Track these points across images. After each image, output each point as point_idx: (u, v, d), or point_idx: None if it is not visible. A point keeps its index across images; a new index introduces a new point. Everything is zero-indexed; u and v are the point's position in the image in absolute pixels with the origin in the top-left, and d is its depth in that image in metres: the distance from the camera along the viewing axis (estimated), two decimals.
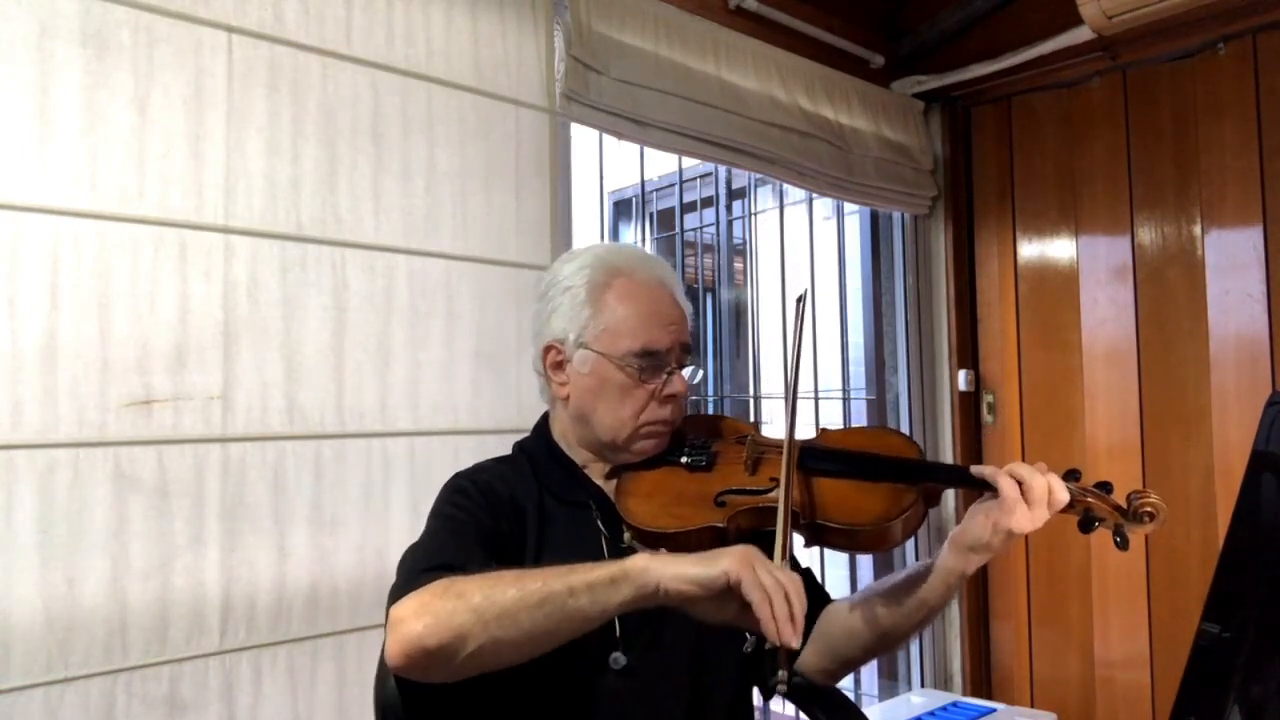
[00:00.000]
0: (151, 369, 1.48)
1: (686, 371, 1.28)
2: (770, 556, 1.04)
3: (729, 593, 0.97)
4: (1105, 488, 1.17)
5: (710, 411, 3.04)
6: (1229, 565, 1.02)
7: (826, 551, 2.93)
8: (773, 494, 1.20)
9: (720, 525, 1.19)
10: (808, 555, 3.00)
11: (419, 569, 1.07)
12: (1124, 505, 1.15)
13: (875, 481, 1.20)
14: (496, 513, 1.20)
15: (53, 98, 1.41)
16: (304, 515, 1.62)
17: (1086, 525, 1.17)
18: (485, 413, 1.85)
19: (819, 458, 1.23)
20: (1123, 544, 1.15)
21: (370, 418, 1.71)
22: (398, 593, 1.04)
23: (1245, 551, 1.02)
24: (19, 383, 1.36)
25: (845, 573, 2.98)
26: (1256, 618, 0.95)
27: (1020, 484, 1.12)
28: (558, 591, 0.97)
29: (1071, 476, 1.17)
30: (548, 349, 1.29)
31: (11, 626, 1.34)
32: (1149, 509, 1.14)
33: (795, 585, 0.97)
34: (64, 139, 1.42)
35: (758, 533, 1.22)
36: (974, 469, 1.17)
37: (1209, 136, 2.56)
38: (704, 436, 1.31)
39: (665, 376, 1.25)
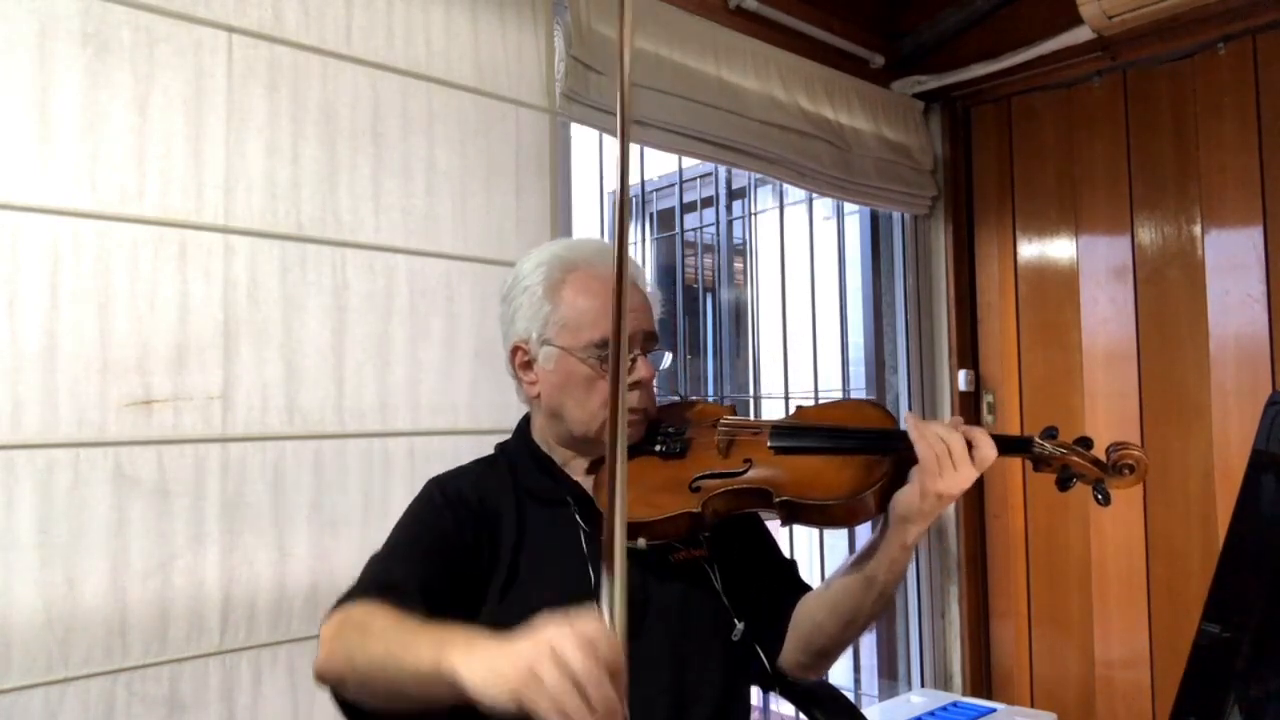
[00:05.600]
0: (151, 369, 1.48)
1: (652, 356, 1.28)
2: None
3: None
4: (1084, 443, 1.16)
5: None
6: (1229, 565, 1.02)
7: (825, 538, 2.94)
8: (747, 475, 1.21)
9: (696, 510, 1.19)
10: (807, 546, 3.00)
11: (363, 585, 1.14)
12: (1103, 459, 1.14)
13: (846, 455, 1.20)
14: (463, 523, 1.21)
15: (53, 98, 1.41)
16: (304, 515, 1.62)
17: (1064, 483, 1.16)
18: (485, 413, 1.84)
19: (788, 435, 1.24)
20: (1104, 500, 1.14)
21: (370, 418, 1.71)
22: (338, 602, 1.12)
23: (1245, 551, 1.02)
24: (19, 383, 1.36)
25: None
26: (1256, 618, 0.95)
27: (940, 443, 1.12)
28: (395, 656, 0.97)
29: (1048, 434, 1.17)
30: (515, 350, 1.30)
31: (11, 626, 1.34)
32: (1129, 461, 1.13)
33: (595, 675, 0.81)
34: (64, 139, 1.42)
35: (732, 515, 1.24)
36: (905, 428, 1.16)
37: (1209, 136, 2.56)
38: (678, 424, 1.32)
39: (629, 365, 1.24)
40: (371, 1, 1.75)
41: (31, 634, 1.35)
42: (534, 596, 1.20)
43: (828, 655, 1.30)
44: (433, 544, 1.19)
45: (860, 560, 1.21)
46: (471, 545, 1.21)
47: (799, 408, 1.34)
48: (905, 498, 1.14)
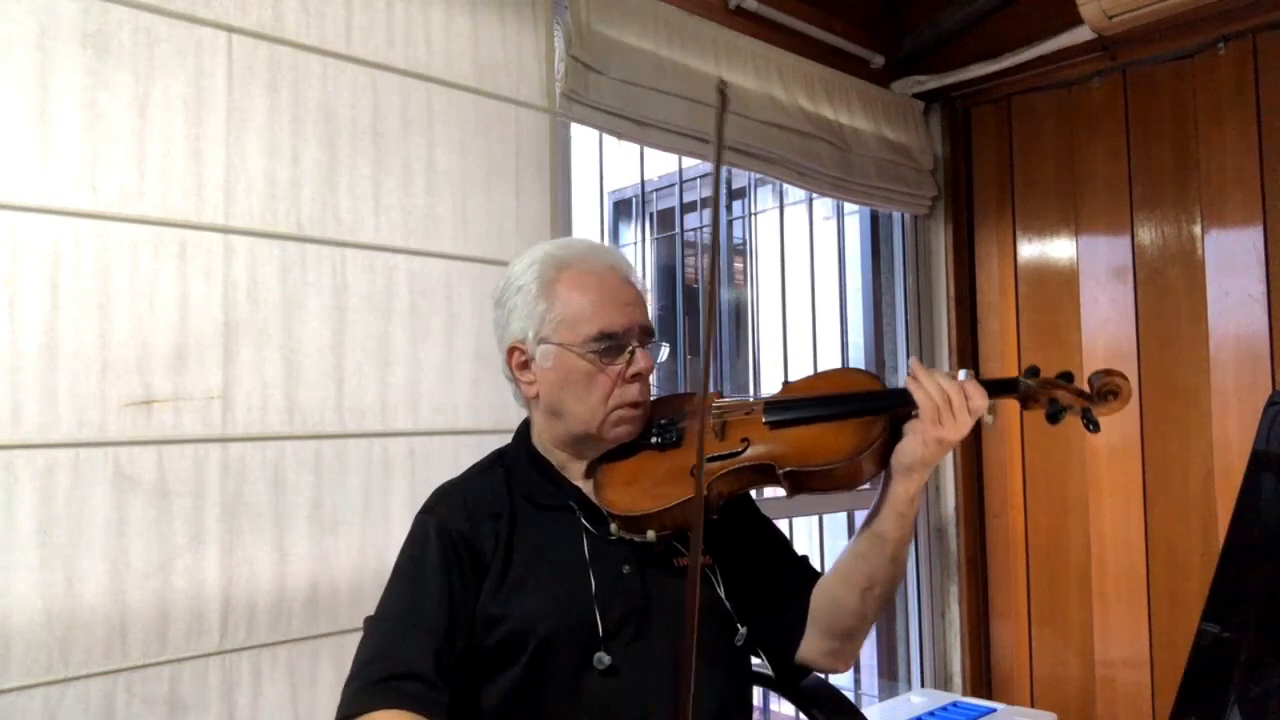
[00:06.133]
0: (151, 369, 1.48)
1: (650, 349, 1.30)
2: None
3: None
4: (1067, 376, 1.22)
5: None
6: (1229, 565, 1.02)
7: (826, 534, 2.94)
8: (746, 454, 1.23)
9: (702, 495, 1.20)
10: (807, 539, 3.00)
11: (372, 678, 1.13)
12: (1087, 389, 1.19)
13: (842, 420, 1.23)
14: (454, 557, 1.23)
15: (53, 98, 1.41)
16: (304, 515, 1.62)
17: (1054, 417, 1.21)
18: (485, 413, 1.85)
19: (782, 409, 1.26)
20: (1094, 428, 1.19)
21: (370, 418, 1.71)
22: (348, 702, 1.12)
23: (1245, 551, 1.02)
24: (19, 383, 1.36)
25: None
26: (1256, 618, 0.95)
27: (941, 393, 1.17)
28: None
29: (1031, 373, 1.22)
30: (511, 351, 1.31)
31: (11, 626, 1.34)
32: (1113, 387, 1.18)
33: None
34: (64, 139, 1.42)
35: (737, 497, 1.26)
36: (903, 387, 1.22)
37: (1209, 136, 2.56)
38: (669, 415, 1.33)
39: (628, 357, 1.26)
40: (371, 1, 1.75)
41: (31, 634, 1.35)
42: (531, 597, 1.20)
43: (852, 635, 1.29)
44: (433, 593, 1.20)
45: (867, 522, 1.24)
46: (467, 576, 1.22)
47: (785, 383, 1.36)
48: (907, 447, 1.19)
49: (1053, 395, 1.20)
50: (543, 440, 1.33)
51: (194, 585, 1.50)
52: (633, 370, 1.26)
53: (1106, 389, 1.18)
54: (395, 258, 1.76)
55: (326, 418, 1.66)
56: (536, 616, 1.19)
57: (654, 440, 1.29)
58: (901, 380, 1.25)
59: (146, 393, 1.47)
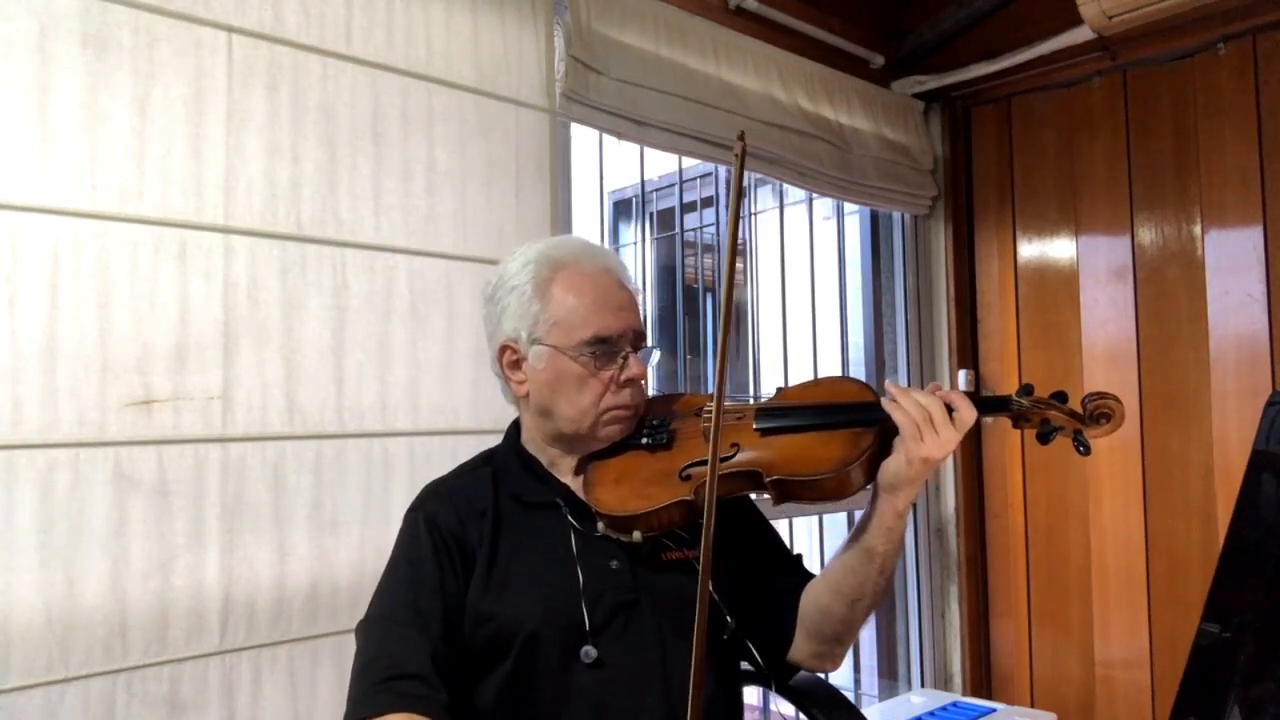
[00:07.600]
0: (151, 369, 1.48)
1: (641, 354, 1.29)
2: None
3: None
4: (1060, 397, 1.20)
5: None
6: (1229, 565, 1.02)
7: (826, 533, 2.94)
8: (735, 459, 1.22)
9: (689, 498, 1.20)
10: (808, 540, 3.01)
11: (372, 681, 1.13)
12: (1079, 410, 1.18)
13: (831, 430, 1.21)
14: (446, 551, 1.23)
15: (53, 98, 1.41)
16: (304, 515, 1.62)
17: (1045, 437, 1.20)
18: (485, 413, 1.84)
19: (772, 416, 1.26)
20: (1085, 450, 1.18)
21: (370, 418, 1.71)
22: (352, 707, 1.12)
23: (1245, 551, 1.02)
24: (19, 383, 1.36)
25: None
26: (1256, 618, 0.95)
27: (919, 410, 1.14)
28: None
29: (1025, 391, 1.20)
30: (503, 349, 1.31)
31: (11, 626, 1.34)
32: (1105, 409, 1.16)
33: None
34: (64, 139, 1.42)
35: (726, 500, 1.25)
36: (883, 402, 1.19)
37: (1209, 136, 2.56)
38: (662, 416, 1.33)
39: (621, 362, 1.26)
40: (371, 1, 1.75)
41: (31, 634, 1.35)
42: (518, 595, 1.21)
43: (840, 640, 1.29)
44: (427, 589, 1.21)
45: (856, 535, 1.23)
46: (458, 574, 1.23)
47: (779, 389, 1.35)
48: (891, 466, 1.17)
49: (1045, 415, 1.19)
50: (532, 438, 1.34)
51: (194, 585, 1.50)
52: (625, 376, 1.26)
53: (1099, 411, 1.16)
54: (395, 258, 1.76)
55: (326, 418, 1.66)
56: (523, 614, 1.19)
57: (644, 441, 1.30)
58: (900, 379, 1.24)
59: (146, 393, 1.47)
